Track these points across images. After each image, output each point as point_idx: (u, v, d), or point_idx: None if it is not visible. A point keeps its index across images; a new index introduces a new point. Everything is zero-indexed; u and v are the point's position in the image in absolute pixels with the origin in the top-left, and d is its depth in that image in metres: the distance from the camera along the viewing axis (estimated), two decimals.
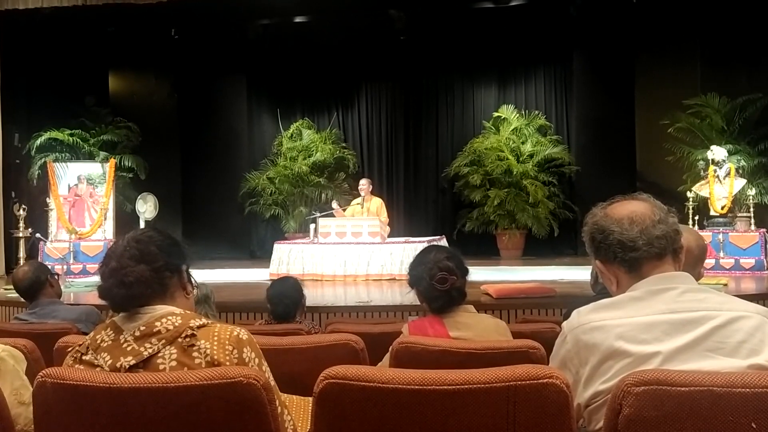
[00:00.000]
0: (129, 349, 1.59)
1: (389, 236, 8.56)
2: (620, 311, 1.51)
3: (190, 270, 1.81)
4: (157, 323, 1.61)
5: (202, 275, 5.37)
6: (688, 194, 8.00)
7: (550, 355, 1.66)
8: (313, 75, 12.05)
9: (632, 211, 1.58)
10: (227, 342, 1.60)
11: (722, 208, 7.93)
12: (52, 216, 9.21)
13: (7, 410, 1.93)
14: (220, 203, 11.72)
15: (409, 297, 2.60)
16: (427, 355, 2.12)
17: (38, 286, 3.63)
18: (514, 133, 11.13)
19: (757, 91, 8.69)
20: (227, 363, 1.57)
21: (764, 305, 1.57)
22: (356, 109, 12.63)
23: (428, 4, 10.35)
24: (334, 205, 8.71)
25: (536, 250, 10.83)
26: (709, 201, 8.03)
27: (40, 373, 1.60)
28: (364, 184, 8.92)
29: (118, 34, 10.19)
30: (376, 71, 12.20)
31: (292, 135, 11.96)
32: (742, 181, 8.04)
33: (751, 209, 7.87)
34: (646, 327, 1.47)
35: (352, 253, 7.94)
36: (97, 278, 1.73)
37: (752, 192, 7.98)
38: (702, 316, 1.47)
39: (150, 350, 1.58)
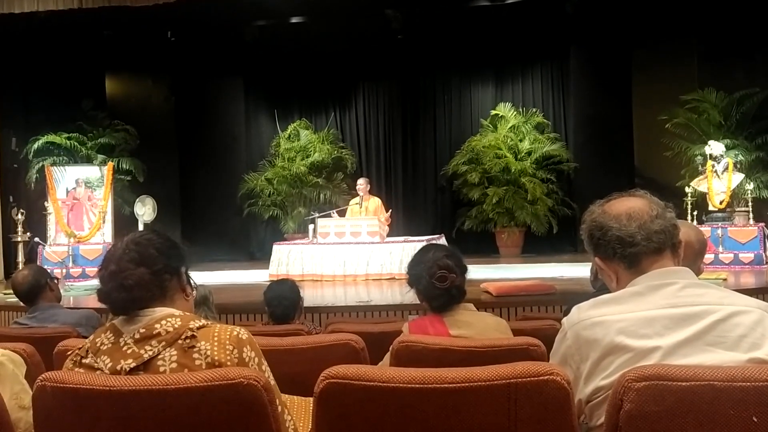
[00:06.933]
0: (129, 351, 1.59)
1: (388, 235, 8.56)
2: (621, 306, 1.51)
3: (189, 272, 1.81)
4: (157, 325, 1.61)
5: (201, 277, 5.38)
6: (687, 189, 8.01)
7: (550, 352, 1.66)
8: (310, 75, 12.03)
9: (630, 207, 1.59)
10: (227, 342, 1.60)
11: (721, 203, 7.93)
12: (51, 220, 9.18)
13: (7, 415, 1.93)
14: (218, 205, 11.72)
15: (409, 296, 2.59)
16: (427, 353, 2.11)
17: (38, 290, 3.62)
18: (511, 130, 11.13)
19: (754, 86, 8.70)
20: (228, 363, 1.57)
21: (764, 299, 1.57)
22: (354, 108, 12.63)
23: (425, 4, 10.34)
24: (333, 214, 8.75)
25: (535, 247, 10.83)
26: (707, 196, 8.03)
27: (40, 377, 1.59)
28: (361, 183, 8.92)
29: (114, 37, 10.16)
30: (373, 71, 12.21)
31: (289, 136, 11.96)
32: (740, 176, 8.05)
33: (750, 204, 7.88)
34: (647, 322, 1.47)
35: (352, 253, 7.94)
36: (96, 282, 1.73)
37: (750, 186, 7.99)
38: (702, 311, 1.47)
39: (150, 352, 1.57)
